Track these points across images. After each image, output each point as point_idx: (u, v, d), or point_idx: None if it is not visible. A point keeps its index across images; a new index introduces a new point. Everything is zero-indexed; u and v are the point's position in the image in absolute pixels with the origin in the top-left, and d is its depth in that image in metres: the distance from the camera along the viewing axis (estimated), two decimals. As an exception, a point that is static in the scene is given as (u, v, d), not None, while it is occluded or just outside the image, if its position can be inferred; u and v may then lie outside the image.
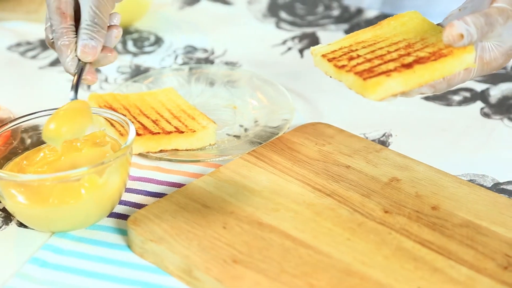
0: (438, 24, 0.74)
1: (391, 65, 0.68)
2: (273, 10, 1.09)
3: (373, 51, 0.71)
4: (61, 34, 0.74)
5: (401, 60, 0.69)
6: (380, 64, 0.69)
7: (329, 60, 0.70)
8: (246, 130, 0.87)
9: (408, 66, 0.68)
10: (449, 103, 0.90)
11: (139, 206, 0.75)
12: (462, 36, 0.67)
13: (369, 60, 0.69)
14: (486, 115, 0.88)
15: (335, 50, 0.72)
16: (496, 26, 0.68)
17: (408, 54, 0.70)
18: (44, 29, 0.77)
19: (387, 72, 0.67)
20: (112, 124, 0.77)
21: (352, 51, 0.72)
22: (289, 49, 1.01)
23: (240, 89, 0.93)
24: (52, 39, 0.76)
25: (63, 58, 0.75)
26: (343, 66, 0.69)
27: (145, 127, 0.83)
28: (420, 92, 0.71)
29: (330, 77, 0.71)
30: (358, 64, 0.69)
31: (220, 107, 0.91)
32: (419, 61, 0.68)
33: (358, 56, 0.71)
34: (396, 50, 0.71)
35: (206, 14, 1.09)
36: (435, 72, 0.68)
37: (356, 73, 0.68)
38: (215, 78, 0.94)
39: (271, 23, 1.06)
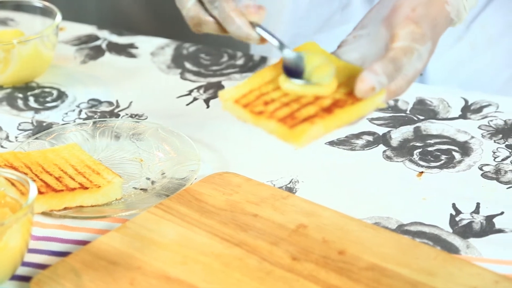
0: (333, 53, 0.75)
1: (311, 110, 0.69)
2: (177, 61, 1.09)
3: (286, 93, 0.72)
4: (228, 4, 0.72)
5: (319, 103, 0.70)
6: (299, 108, 0.69)
7: (244, 106, 0.70)
8: (153, 182, 0.86)
9: (328, 110, 0.69)
10: (352, 148, 0.92)
11: (43, 266, 0.73)
12: (374, 88, 0.68)
13: (287, 104, 0.70)
14: (388, 158, 0.90)
15: (246, 94, 0.72)
16: (404, 67, 0.70)
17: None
18: (188, 14, 0.74)
19: (310, 119, 0.68)
20: (12, 184, 0.75)
21: (264, 94, 0.72)
22: (195, 99, 1.02)
23: (146, 142, 0.92)
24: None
25: (240, 25, 0.72)
26: (261, 112, 0.69)
27: (47, 185, 0.81)
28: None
29: (244, 121, 0.71)
30: (276, 109, 0.70)
31: (126, 161, 0.90)
32: (337, 104, 0.69)
33: (273, 100, 0.71)
34: None
35: (110, 67, 1.08)
36: (352, 114, 0.70)
37: (279, 121, 0.68)
38: (120, 131, 0.93)
39: (176, 74, 1.07)
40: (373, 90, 0.68)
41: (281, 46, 0.74)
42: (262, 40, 0.75)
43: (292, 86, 0.71)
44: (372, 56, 0.73)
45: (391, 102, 0.99)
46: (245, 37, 0.74)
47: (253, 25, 0.75)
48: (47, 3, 1.06)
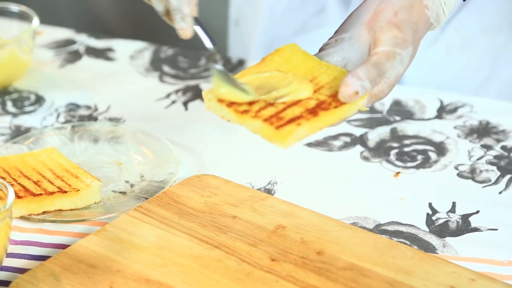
0: (316, 55, 0.76)
1: (296, 110, 0.69)
2: (156, 64, 1.09)
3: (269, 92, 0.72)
4: None
5: (304, 104, 0.70)
6: (284, 109, 0.70)
7: (228, 106, 0.71)
8: (132, 185, 0.86)
9: (314, 113, 0.69)
10: (330, 149, 0.92)
11: (22, 271, 0.73)
12: (357, 92, 0.69)
13: (272, 104, 0.70)
14: (365, 158, 0.91)
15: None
16: (387, 72, 0.71)
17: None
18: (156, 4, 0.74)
19: (295, 120, 0.68)
20: (-10, 188, 0.75)
21: None
22: (173, 102, 1.02)
23: (124, 145, 0.92)
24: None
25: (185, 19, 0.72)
26: (246, 111, 0.70)
27: (26, 189, 0.81)
28: None
29: (228, 121, 0.71)
30: (262, 108, 0.70)
31: (105, 164, 0.90)
32: (321, 106, 0.70)
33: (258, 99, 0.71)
34: None
35: (88, 71, 1.08)
36: (336, 117, 0.70)
37: (264, 120, 0.69)
38: (98, 135, 0.93)
39: (155, 77, 1.07)
40: (357, 95, 0.69)
41: (212, 55, 0.74)
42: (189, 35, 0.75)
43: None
44: (355, 60, 0.74)
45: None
46: (179, 28, 0.74)
47: (195, 21, 0.74)
48: (24, 8, 1.06)
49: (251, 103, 0.71)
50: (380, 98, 0.74)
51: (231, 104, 0.71)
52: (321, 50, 0.76)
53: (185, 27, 0.73)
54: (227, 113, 0.71)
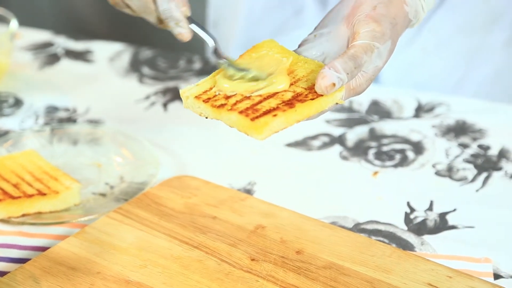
0: (294, 51, 0.76)
1: (272, 103, 0.70)
2: (135, 66, 1.09)
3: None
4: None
5: (280, 96, 0.71)
6: (260, 101, 0.70)
7: (205, 101, 0.71)
8: (112, 187, 0.87)
9: (290, 104, 0.69)
10: (309, 149, 0.93)
11: (1, 274, 0.73)
12: (334, 84, 0.69)
13: (248, 97, 0.71)
14: (344, 158, 0.92)
15: (207, 90, 0.72)
16: (364, 65, 0.71)
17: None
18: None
19: (271, 112, 0.69)
20: (-31, 191, 0.75)
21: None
22: (153, 104, 1.02)
23: (104, 147, 0.92)
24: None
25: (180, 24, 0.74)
26: (222, 105, 0.70)
27: (5, 192, 0.81)
28: None
29: (206, 117, 0.71)
30: (238, 101, 0.70)
31: (85, 166, 0.90)
32: (298, 98, 0.70)
33: (234, 94, 0.71)
34: None
35: (67, 73, 1.08)
36: (312, 109, 0.70)
37: (240, 113, 0.69)
38: (78, 137, 0.93)
39: (134, 79, 1.07)
40: (334, 87, 0.69)
41: (216, 51, 0.75)
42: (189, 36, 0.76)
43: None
44: (333, 54, 0.74)
45: (346, 103, 1.01)
46: (177, 33, 0.76)
47: (189, 20, 0.76)
48: (2, 10, 1.06)
49: (228, 97, 0.71)
50: (358, 92, 0.74)
51: (207, 99, 0.71)
52: (300, 45, 0.76)
53: (183, 32, 0.75)
54: (204, 109, 0.70)
